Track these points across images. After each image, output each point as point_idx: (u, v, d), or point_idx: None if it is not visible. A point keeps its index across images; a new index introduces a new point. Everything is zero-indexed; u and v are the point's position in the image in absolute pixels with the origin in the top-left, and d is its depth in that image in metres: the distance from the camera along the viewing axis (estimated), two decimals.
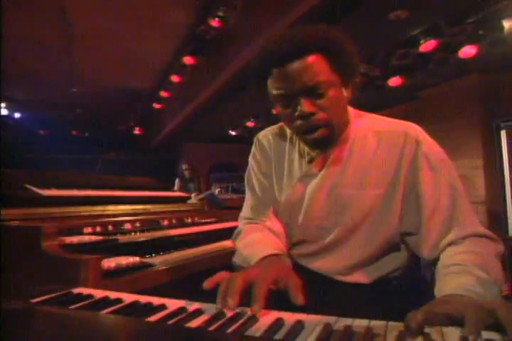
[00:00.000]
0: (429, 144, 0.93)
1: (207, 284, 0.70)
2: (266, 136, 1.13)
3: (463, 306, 0.57)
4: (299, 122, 0.90)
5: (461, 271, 0.74)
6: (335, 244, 0.99)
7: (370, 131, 0.97)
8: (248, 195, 1.15)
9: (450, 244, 0.85)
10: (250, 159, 1.16)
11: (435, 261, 0.85)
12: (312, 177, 1.00)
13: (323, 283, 1.00)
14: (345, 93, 0.94)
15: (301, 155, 1.04)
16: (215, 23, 4.04)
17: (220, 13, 3.95)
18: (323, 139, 0.93)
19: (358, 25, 3.56)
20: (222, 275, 0.72)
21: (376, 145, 0.95)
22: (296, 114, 0.89)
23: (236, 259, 1.02)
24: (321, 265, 1.02)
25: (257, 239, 0.99)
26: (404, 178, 0.91)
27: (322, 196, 0.98)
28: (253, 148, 1.15)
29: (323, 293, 0.94)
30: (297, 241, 1.07)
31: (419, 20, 3.63)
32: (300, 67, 0.85)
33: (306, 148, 1.01)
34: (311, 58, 0.86)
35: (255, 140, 1.15)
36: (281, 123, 1.11)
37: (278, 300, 0.68)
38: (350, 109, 1.01)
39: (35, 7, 4.04)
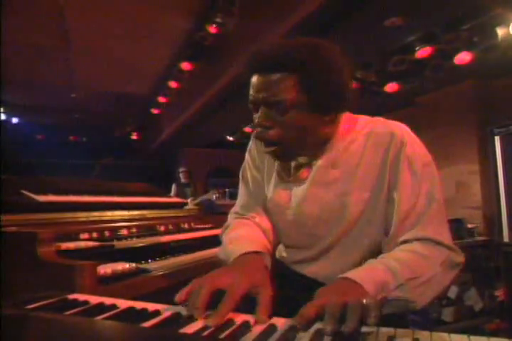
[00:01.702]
0: (414, 146, 0.91)
1: (179, 297, 0.68)
2: None
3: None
4: (257, 129, 0.93)
5: (375, 260, 0.81)
6: (328, 250, 0.99)
7: (360, 133, 0.96)
8: (241, 190, 1.16)
9: (403, 242, 0.87)
10: (246, 154, 1.16)
11: None
12: (298, 184, 1.00)
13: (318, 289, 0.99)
14: (319, 119, 0.91)
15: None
16: (212, 29, 4.07)
17: (218, 20, 3.98)
18: (275, 154, 0.95)
19: (354, 31, 3.60)
20: (193, 286, 0.70)
21: (363, 149, 0.94)
22: (254, 122, 0.91)
23: (220, 253, 1.00)
24: (316, 271, 1.01)
25: (241, 235, 0.99)
26: (387, 179, 0.91)
27: (310, 204, 0.97)
28: (250, 143, 1.16)
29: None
30: (288, 244, 1.07)
31: (415, 27, 3.67)
32: (269, 80, 0.86)
33: None
34: (278, 76, 0.86)
35: (252, 137, 1.14)
36: None
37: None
38: (346, 115, 0.98)
39: (32, 12, 4.06)
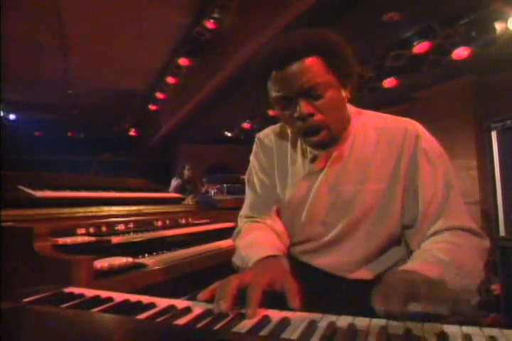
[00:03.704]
0: (428, 139, 0.96)
1: (202, 296, 0.68)
2: (268, 135, 1.15)
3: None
4: (298, 123, 0.93)
5: (423, 254, 0.82)
6: (338, 240, 1.00)
7: (371, 127, 1.00)
8: (248, 194, 1.16)
9: (433, 234, 0.89)
10: (252, 158, 1.17)
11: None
12: (316, 175, 1.02)
13: (325, 280, 1.00)
14: (344, 93, 0.96)
15: (303, 154, 1.05)
16: (210, 24, 4.05)
17: (215, 15, 3.96)
18: (324, 141, 0.96)
19: (351, 27, 3.59)
20: (216, 286, 0.70)
21: (376, 141, 0.98)
22: (296, 115, 0.91)
23: (235, 259, 1.02)
24: (324, 261, 1.02)
25: (255, 239, 0.99)
26: (404, 173, 0.94)
27: (324, 192, 1.00)
28: (254, 147, 1.17)
29: (325, 290, 0.95)
30: (300, 239, 1.07)
31: (413, 22, 3.67)
32: (298, 69, 0.88)
33: (309, 147, 1.03)
34: (308, 61, 0.88)
35: (256, 139, 1.17)
36: (281, 123, 1.13)
37: (275, 299, 0.68)
38: (350, 106, 1.03)
39: (29, 8, 4.03)
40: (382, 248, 0.98)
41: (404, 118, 1.01)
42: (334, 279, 0.99)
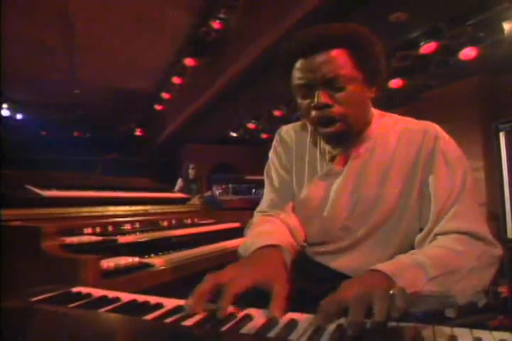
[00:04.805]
0: (447, 141, 0.94)
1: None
2: (288, 131, 1.14)
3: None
4: (314, 113, 0.92)
5: (404, 256, 0.80)
6: (356, 244, 0.99)
7: (392, 130, 0.99)
8: (266, 189, 1.15)
9: (435, 236, 0.87)
10: (271, 153, 1.16)
11: None
12: (334, 176, 1.01)
13: (341, 281, 0.99)
14: (369, 92, 0.95)
15: (322, 154, 1.04)
16: (216, 24, 4.07)
17: (221, 15, 3.97)
18: (339, 134, 0.94)
19: None
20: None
21: (396, 144, 0.97)
22: (313, 104, 0.91)
23: (240, 249, 1.00)
24: (341, 264, 1.01)
25: (262, 230, 0.99)
26: (420, 173, 0.93)
27: (345, 196, 0.99)
28: (274, 143, 1.16)
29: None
30: (317, 241, 1.06)
31: (420, 23, 3.65)
32: (323, 59, 0.88)
33: (328, 147, 1.02)
34: (334, 52, 0.88)
35: (277, 135, 1.16)
36: (303, 121, 1.12)
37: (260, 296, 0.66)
38: (373, 109, 1.03)
39: (37, 9, 4.06)
40: (401, 251, 0.95)
41: (424, 121, 1.00)
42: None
